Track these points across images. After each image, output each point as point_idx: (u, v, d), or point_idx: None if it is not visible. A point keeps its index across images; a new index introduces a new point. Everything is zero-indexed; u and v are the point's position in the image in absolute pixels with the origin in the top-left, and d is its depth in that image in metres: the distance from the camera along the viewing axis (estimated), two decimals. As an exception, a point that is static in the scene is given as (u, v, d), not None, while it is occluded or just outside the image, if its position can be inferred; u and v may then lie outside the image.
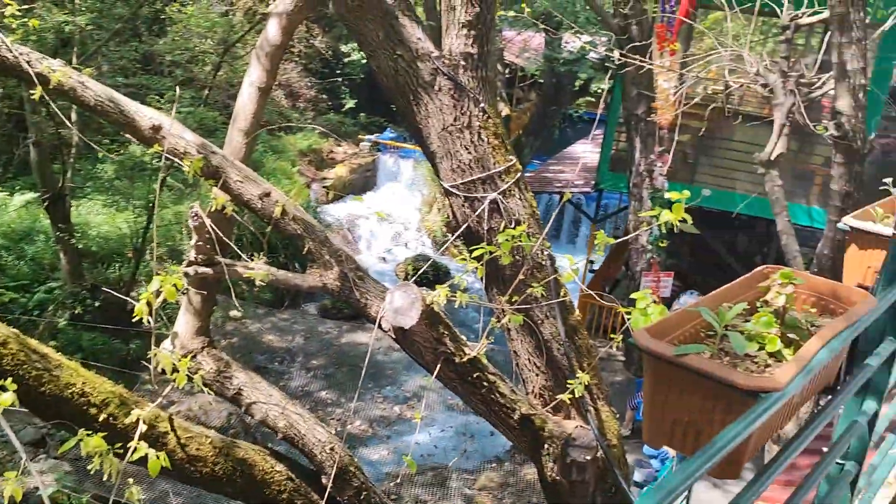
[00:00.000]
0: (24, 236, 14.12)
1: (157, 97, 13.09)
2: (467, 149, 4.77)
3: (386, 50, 4.75)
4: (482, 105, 4.78)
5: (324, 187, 20.27)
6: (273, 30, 4.89)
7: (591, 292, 7.25)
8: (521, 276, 4.60)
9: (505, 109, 21.32)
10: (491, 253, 4.09)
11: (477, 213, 4.81)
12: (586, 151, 18.32)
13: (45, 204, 12.97)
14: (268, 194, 4.47)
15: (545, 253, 4.93)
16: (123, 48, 14.91)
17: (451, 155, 4.80)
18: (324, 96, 22.38)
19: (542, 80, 21.72)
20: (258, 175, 4.65)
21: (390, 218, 19.75)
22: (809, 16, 8.51)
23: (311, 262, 4.65)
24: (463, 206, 4.89)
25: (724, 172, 14.06)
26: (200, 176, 4.37)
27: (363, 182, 21.66)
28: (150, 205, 13.82)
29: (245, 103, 4.89)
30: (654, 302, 3.69)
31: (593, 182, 14.78)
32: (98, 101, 4.28)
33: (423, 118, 4.83)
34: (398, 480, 11.06)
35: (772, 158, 8.60)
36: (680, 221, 3.68)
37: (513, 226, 4.80)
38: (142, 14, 15.34)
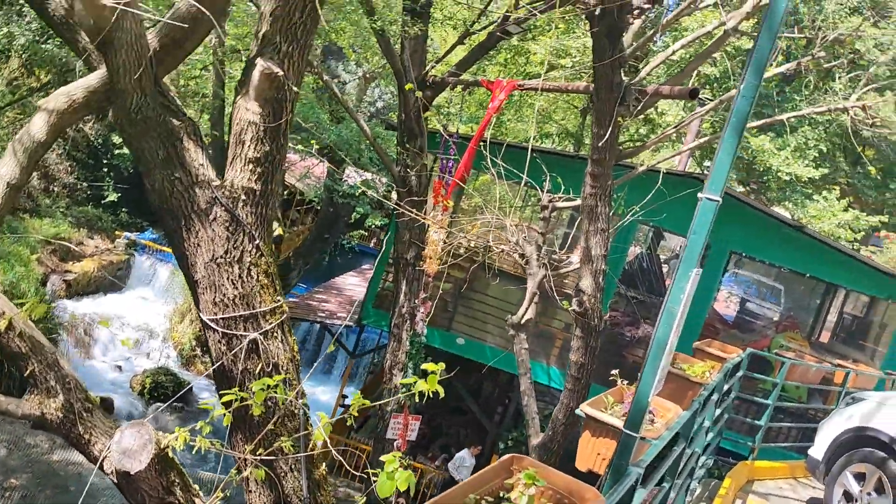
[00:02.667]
0: None
1: None
2: (234, 284, 4.58)
3: (165, 170, 4.54)
4: (257, 242, 4.67)
5: (64, 281, 18.40)
6: (39, 126, 4.47)
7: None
8: (269, 426, 4.38)
9: (278, 230, 21.13)
10: (242, 399, 3.86)
11: (233, 352, 4.57)
12: (353, 284, 18.55)
13: None
14: (-7, 305, 3.92)
15: (300, 402, 4.77)
16: None
17: (215, 287, 4.58)
18: (84, 185, 20.77)
19: (319, 207, 21.95)
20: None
21: (133, 324, 18.28)
22: (565, 201, 9.55)
23: (32, 385, 4.09)
24: (220, 342, 4.63)
25: (477, 324, 14.87)
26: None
27: (111, 282, 20.01)
28: None
29: (-13, 198, 4.35)
30: (402, 466, 3.65)
31: (356, 316, 14.88)
32: None
33: (192, 245, 4.60)
34: None
35: (521, 322, 9.26)
36: (430, 390, 3.75)
37: (270, 370, 4.62)
38: None
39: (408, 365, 12.63)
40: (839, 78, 12.08)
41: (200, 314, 4.67)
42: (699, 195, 3.28)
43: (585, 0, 7.47)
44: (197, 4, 4.32)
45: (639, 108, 7.79)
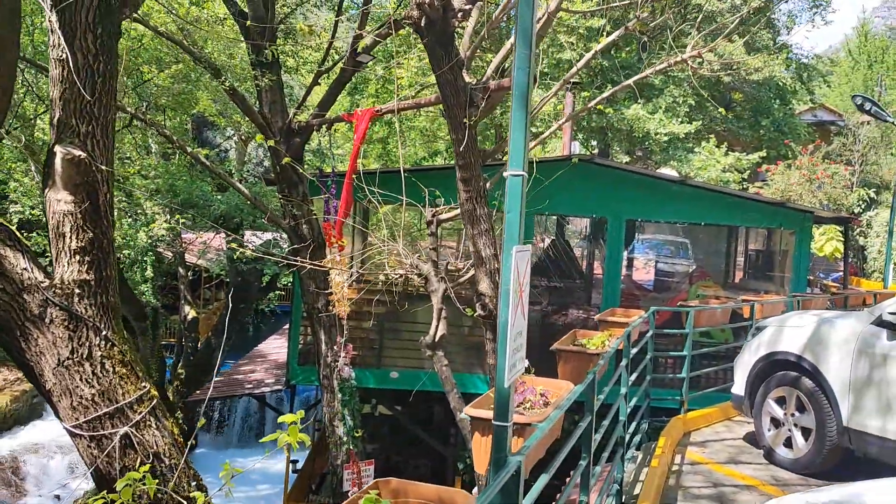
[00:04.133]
0: None
1: None
2: (89, 382, 4.33)
3: (-16, 285, 4.27)
4: (105, 333, 4.44)
5: (-23, 423, 17.39)
6: None
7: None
8: (160, 519, 4.14)
9: (192, 312, 20.56)
10: (113, 501, 3.62)
11: (105, 453, 4.31)
12: (277, 347, 18.15)
13: None
14: None
15: (192, 484, 4.53)
16: None
17: (69, 392, 4.32)
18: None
19: (227, 280, 21.48)
20: None
21: (64, 448, 17.38)
22: (447, 212, 9.54)
23: None
24: (90, 446, 4.36)
25: (409, 353, 14.69)
26: None
27: (28, 411, 19.01)
28: None
29: None
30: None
31: (285, 378, 14.51)
32: None
33: (35, 354, 4.33)
34: None
35: (435, 340, 9.17)
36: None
37: (151, 461, 4.37)
38: None
39: (344, 413, 12.37)
40: (690, 35, 12.57)
41: (62, 423, 4.40)
42: (504, 174, 3.26)
43: (409, 14, 7.52)
44: (-25, 107, 4.11)
45: (486, 106, 7.85)
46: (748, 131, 19.22)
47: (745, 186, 17.33)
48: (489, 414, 3.95)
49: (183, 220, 17.27)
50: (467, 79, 7.93)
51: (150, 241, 16.73)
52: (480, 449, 3.91)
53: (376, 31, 11.93)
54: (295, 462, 15.26)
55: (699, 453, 7.29)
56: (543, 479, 3.72)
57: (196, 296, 22.53)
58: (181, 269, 20.32)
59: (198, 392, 17.34)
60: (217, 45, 14.00)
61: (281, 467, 17.31)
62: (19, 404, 18.74)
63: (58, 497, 16.81)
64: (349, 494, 11.82)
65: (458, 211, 9.49)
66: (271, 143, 10.33)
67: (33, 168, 14.67)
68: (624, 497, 6.14)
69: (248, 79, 14.06)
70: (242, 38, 12.10)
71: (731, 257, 16.70)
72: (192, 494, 3.87)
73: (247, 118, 18.27)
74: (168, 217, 16.42)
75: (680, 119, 17.32)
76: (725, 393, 8.03)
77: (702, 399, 9.06)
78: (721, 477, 6.57)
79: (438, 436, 15.52)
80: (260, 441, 3.42)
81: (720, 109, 18.18)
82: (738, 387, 7.30)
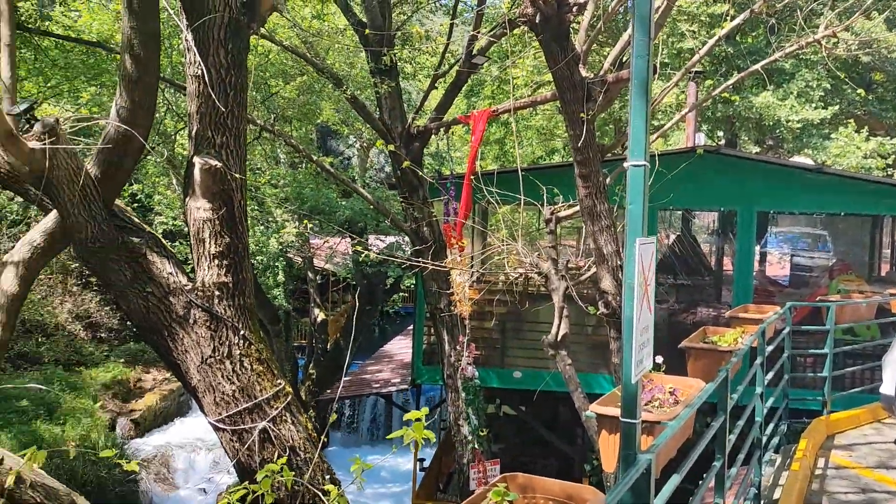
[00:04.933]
0: None
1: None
2: (229, 379, 4.59)
3: (135, 289, 4.61)
4: (242, 333, 4.68)
5: (131, 420, 18.76)
6: (9, 280, 4.60)
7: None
8: (297, 510, 4.32)
9: (321, 314, 21.34)
10: (254, 492, 3.81)
11: (246, 446, 4.55)
12: (402, 347, 18.51)
13: None
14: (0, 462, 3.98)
15: (326, 478, 4.70)
16: None
17: (212, 388, 4.59)
18: (129, 323, 21.33)
19: (354, 283, 22.16)
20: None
21: (208, 444, 18.45)
22: (566, 209, 9.42)
23: (56, 532, 4.10)
24: (231, 440, 4.62)
25: (532, 353, 14.61)
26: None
27: (177, 408, 20.34)
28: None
29: (-25, 361, 4.46)
30: None
31: (410, 378, 14.79)
32: None
33: (181, 353, 4.63)
34: None
35: (558, 340, 9.06)
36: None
37: (288, 454, 4.57)
38: None
39: (469, 413, 12.46)
40: (823, 14, 11.85)
41: (207, 418, 4.67)
42: (625, 164, 3.18)
43: (524, 12, 7.50)
44: (123, 125, 4.45)
45: (604, 100, 7.70)
46: (892, 114, 17.88)
47: (889, 173, 16.12)
48: (616, 411, 3.86)
49: (311, 227, 17.97)
50: (584, 73, 7.81)
51: (280, 247, 17.53)
52: (608, 447, 3.84)
53: (491, 32, 11.98)
54: (422, 460, 15.51)
55: (845, 457, 6.84)
56: (675, 480, 3.61)
57: (324, 299, 23.38)
58: (310, 274, 21.13)
59: (328, 391, 17.98)
60: (338, 56, 14.49)
61: (409, 466, 17.66)
62: (167, 402, 20.09)
63: (204, 490, 17.88)
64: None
65: (577, 208, 9.37)
66: (391, 148, 10.56)
67: (174, 181, 15.70)
68: (763, 501, 5.85)
69: (367, 87, 14.44)
70: (362, 47, 12.48)
71: (876, 249, 15.56)
72: (326, 487, 4.01)
73: (368, 125, 18.83)
74: (297, 223, 17.12)
75: (814, 104, 16.32)
76: (874, 394, 7.49)
77: (847, 400, 8.49)
78: (870, 482, 6.14)
79: (564, 436, 15.35)
80: (387, 437, 3.51)
81: (859, 91, 17.01)
82: (888, 387, 6.79)
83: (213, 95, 4.53)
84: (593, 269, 9.45)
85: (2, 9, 4.54)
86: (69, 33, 12.66)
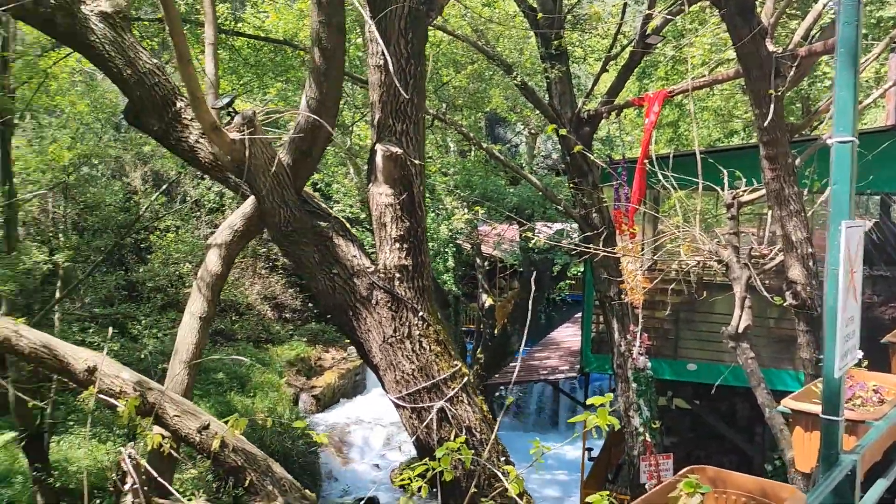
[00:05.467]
0: (2, 479, 13.63)
1: (139, 322, 13.26)
2: (409, 358, 4.75)
3: (323, 270, 4.87)
4: (421, 314, 4.83)
5: (312, 396, 19.99)
6: (213, 260, 5.03)
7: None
8: (473, 489, 4.39)
9: (489, 300, 21.59)
10: (434, 469, 3.92)
11: (425, 424, 4.69)
12: (569, 335, 18.34)
13: (23, 443, 12.64)
14: (206, 427, 4.37)
15: (502, 460, 4.75)
16: (108, 278, 15.27)
17: (393, 366, 4.77)
18: (310, 305, 22.72)
19: (521, 269, 22.23)
20: (198, 407, 4.57)
21: (382, 422, 19.31)
22: (749, 193, 8.86)
23: (254, 494, 4.45)
24: (410, 417, 4.78)
25: (707, 345, 13.96)
26: (137, 415, 4.29)
27: (352, 387, 21.41)
28: (133, 433, 13.55)
29: (186, 334, 4.92)
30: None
31: (578, 366, 14.63)
32: (33, 349, 4.29)
33: (364, 332, 4.85)
34: None
35: (739, 332, 8.58)
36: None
37: (464, 434, 4.67)
38: (125, 244, 15.89)
39: (640, 404, 12.13)
40: None
41: (388, 395, 4.87)
42: (828, 140, 2.92)
43: (705, -15, 7.14)
44: (313, 116, 4.70)
45: (795, 75, 7.17)
46: None
47: None
48: (814, 408, 3.60)
49: (481, 213, 18.21)
50: (771, 48, 7.31)
51: (450, 233, 17.90)
52: (803, 446, 3.59)
53: (667, 10, 11.49)
54: (590, 450, 15.33)
55: None
56: (881, 485, 3.31)
57: (492, 284, 23.61)
58: (478, 260, 21.43)
59: (496, 376, 18.18)
60: (508, 43, 14.51)
61: (575, 454, 17.52)
62: (345, 381, 21.20)
63: (377, 466, 18.73)
64: (646, 487, 11.58)
65: (762, 192, 8.80)
66: (563, 131, 10.42)
67: (352, 171, 16.46)
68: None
69: (537, 72, 14.37)
70: (532, 32, 12.42)
71: None
72: (504, 468, 4.06)
73: (536, 112, 18.74)
74: (466, 210, 17.41)
75: None
76: None
77: None
78: None
79: (742, 433, 14.57)
80: (569, 421, 3.48)
81: None
82: None
83: (396, 84, 4.68)
84: (779, 258, 8.86)
85: (206, 11, 4.94)
86: (258, 33, 13.58)
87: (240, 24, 14.12)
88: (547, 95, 12.44)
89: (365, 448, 19.34)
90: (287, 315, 22.38)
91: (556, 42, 11.91)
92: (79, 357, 4.32)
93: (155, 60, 5.26)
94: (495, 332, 20.92)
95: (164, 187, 16.32)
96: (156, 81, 5.17)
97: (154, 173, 19.85)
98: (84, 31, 5.10)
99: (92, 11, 5.09)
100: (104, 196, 14.71)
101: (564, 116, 12.03)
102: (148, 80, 5.13)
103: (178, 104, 5.25)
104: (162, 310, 14.13)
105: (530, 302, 19.92)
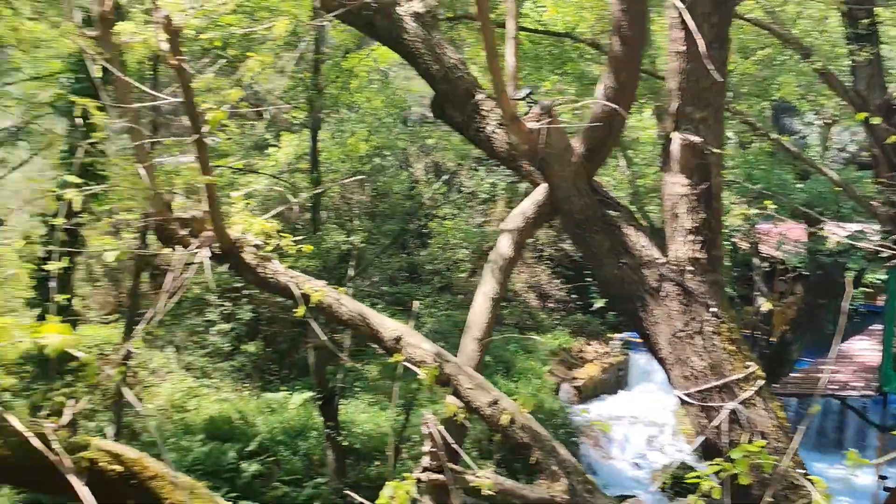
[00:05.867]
0: (300, 433, 15.45)
1: (419, 302, 14.29)
2: (699, 355, 4.58)
3: (611, 259, 4.87)
4: (713, 309, 4.63)
5: (574, 387, 20.10)
6: (505, 245, 5.24)
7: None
8: (768, 499, 4.13)
9: (766, 304, 20.11)
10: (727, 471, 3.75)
11: (713, 424, 4.49)
12: (863, 348, 16.46)
13: (319, 403, 14.23)
14: (496, 402, 4.57)
15: (800, 472, 4.41)
16: (393, 260, 16.64)
17: (682, 362, 4.63)
18: (574, 296, 22.85)
19: (806, 273, 20.35)
20: (489, 383, 4.80)
21: (643, 420, 18.87)
22: None
23: (539, 472, 4.58)
24: (698, 415, 4.61)
25: None
26: (436, 383, 4.62)
27: (615, 382, 21.17)
28: (409, 404, 14.67)
29: (479, 313, 5.19)
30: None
31: (876, 384, 13.11)
32: (350, 316, 4.80)
33: (652, 324, 4.76)
34: None
35: None
36: None
37: (756, 440, 4.40)
38: (409, 229, 17.18)
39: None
40: None
41: (674, 390, 4.75)
42: None
43: None
44: (610, 104, 4.71)
45: None
46: None
47: None
48: None
49: (767, 208, 16.95)
50: None
51: (726, 230, 16.91)
52: None
53: None
54: (884, 478, 13.68)
55: None
56: None
57: (770, 287, 21.94)
58: (755, 260, 20.04)
59: (775, 385, 16.88)
60: (806, 25, 13.31)
61: (866, 482, 15.73)
62: (607, 375, 21.03)
63: (637, 465, 18.35)
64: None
65: None
66: (877, 120, 9.36)
67: (622, 163, 16.20)
68: None
69: (838, 56, 13.04)
70: (834, 11, 11.29)
71: None
72: (811, 478, 3.78)
73: (831, 99, 16.99)
74: (746, 206, 16.31)
75: None
76: None
77: None
78: None
79: None
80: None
81: None
82: None
83: (698, 71, 4.53)
84: None
85: (508, 7, 5.15)
86: (538, 27, 13.85)
87: (520, 19, 14.51)
88: (851, 80, 11.27)
89: (625, 445, 19.04)
90: (551, 305, 22.71)
91: (865, 21, 10.73)
92: (387, 326, 4.75)
93: (459, 55, 5.60)
94: (772, 338, 19.42)
95: (444, 177, 17.33)
96: (459, 75, 5.51)
97: (434, 164, 21.18)
98: (398, 30, 5.58)
99: (406, 12, 5.55)
100: (392, 184, 16.01)
101: (873, 103, 10.81)
102: (452, 74, 5.48)
103: (477, 96, 5.54)
104: (439, 291, 15.06)
105: (808, 311, 18.19)
